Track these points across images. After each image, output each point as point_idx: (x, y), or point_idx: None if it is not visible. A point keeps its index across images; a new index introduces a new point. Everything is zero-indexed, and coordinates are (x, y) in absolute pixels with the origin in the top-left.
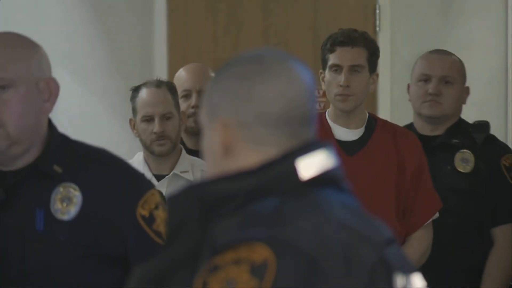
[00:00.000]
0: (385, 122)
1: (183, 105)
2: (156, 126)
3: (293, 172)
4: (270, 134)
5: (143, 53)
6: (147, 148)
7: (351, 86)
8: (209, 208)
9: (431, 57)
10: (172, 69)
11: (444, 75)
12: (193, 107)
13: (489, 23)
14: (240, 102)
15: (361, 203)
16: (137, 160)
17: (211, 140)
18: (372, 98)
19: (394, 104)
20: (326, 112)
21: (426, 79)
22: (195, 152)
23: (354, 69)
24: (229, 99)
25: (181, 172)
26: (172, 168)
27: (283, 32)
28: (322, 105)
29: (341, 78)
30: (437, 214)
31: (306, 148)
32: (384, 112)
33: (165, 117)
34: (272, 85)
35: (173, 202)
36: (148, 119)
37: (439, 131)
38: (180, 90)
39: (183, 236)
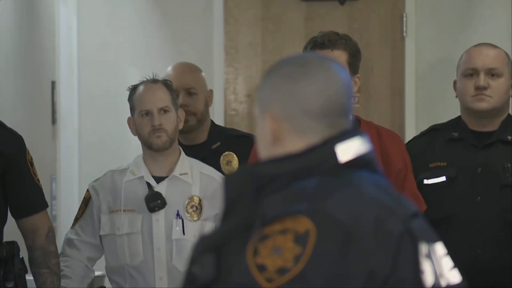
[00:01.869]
0: (369, 123)
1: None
2: (154, 119)
3: (332, 155)
4: (312, 124)
5: (203, 56)
6: (146, 143)
7: None
8: (260, 186)
9: (476, 51)
10: (228, 71)
11: (491, 68)
12: (180, 106)
13: (504, 28)
14: (286, 98)
15: None
16: (136, 162)
17: (262, 130)
18: (399, 98)
19: (419, 102)
20: None
21: (472, 73)
22: (186, 148)
23: None
24: (277, 96)
25: (180, 174)
26: (171, 169)
27: None
28: (357, 99)
29: None
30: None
31: (344, 135)
32: (409, 111)
33: (162, 111)
34: (313, 83)
35: (229, 181)
36: (146, 113)
37: (491, 126)
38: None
39: (238, 210)
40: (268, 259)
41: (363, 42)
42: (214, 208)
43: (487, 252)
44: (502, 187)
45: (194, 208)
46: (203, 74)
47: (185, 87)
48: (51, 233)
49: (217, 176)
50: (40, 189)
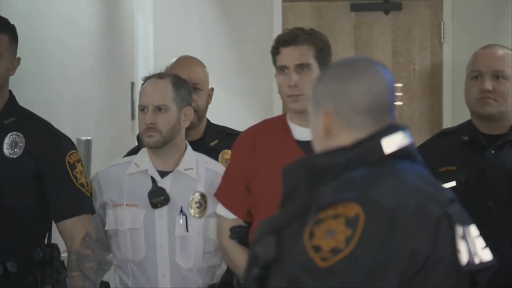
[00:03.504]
0: None
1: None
2: (147, 117)
3: (378, 148)
4: (360, 120)
5: (264, 60)
6: (141, 139)
7: (299, 85)
8: (315, 176)
9: (481, 53)
10: None
11: (496, 70)
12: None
13: None
14: (337, 97)
15: None
16: (142, 156)
17: (316, 125)
18: (437, 96)
19: (455, 100)
20: (287, 115)
21: (477, 75)
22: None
23: (300, 68)
24: (329, 94)
25: (185, 169)
26: (176, 164)
27: (369, 44)
28: (399, 98)
29: (289, 78)
30: None
31: (388, 130)
32: (447, 108)
33: (158, 109)
34: (361, 83)
35: (287, 171)
36: (143, 108)
37: (501, 129)
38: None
39: (295, 198)
40: (322, 241)
41: (405, 47)
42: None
43: (500, 256)
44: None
45: (198, 204)
46: (207, 70)
47: (191, 82)
48: (88, 238)
49: (222, 171)
50: (80, 193)
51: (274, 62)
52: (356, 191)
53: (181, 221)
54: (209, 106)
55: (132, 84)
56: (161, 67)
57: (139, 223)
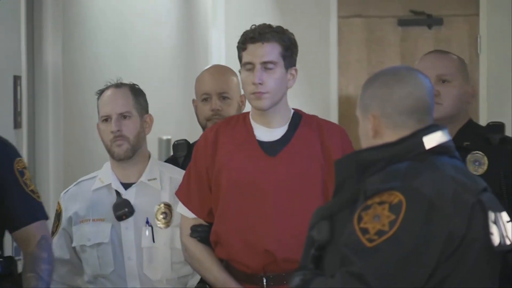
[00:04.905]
0: (312, 118)
1: (203, 108)
2: (112, 125)
3: (420, 145)
4: (404, 120)
5: (322, 70)
6: (108, 151)
7: (264, 83)
8: (363, 168)
9: (425, 59)
10: (341, 81)
11: (440, 74)
12: (213, 110)
13: None
14: (384, 101)
15: (286, 203)
16: (105, 170)
17: (364, 127)
18: (475, 101)
19: (490, 105)
20: (250, 113)
21: None
22: None
23: (266, 65)
24: (376, 99)
25: (149, 180)
26: (140, 175)
27: (414, 55)
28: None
29: (254, 75)
30: None
31: (428, 129)
32: (483, 112)
33: (122, 116)
34: (404, 87)
35: (340, 164)
36: (107, 118)
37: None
38: (200, 93)
39: (346, 187)
40: (369, 224)
41: None
42: None
43: None
44: None
45: (164, 215)
46: (236, 78)
47: (218, 91)
48: (44, 241)
49: None
50: (32, 200)
51: (240, 58)
52: (399, 181)
53: (147, 232)
54: None
55: None
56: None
57: (106, 237)
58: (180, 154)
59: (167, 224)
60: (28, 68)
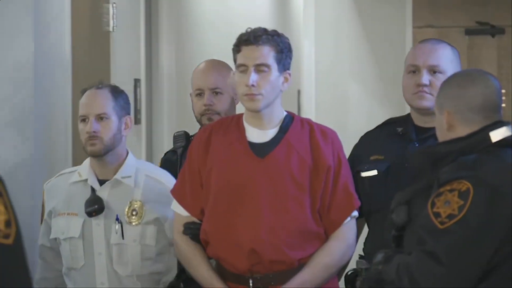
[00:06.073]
0: (303, 120)
1: (197, 103)
2: (88, 125)
3: (487, 139)
4: (474, 117)
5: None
6: (83, 148)
7: (257, 85)
8: (437, 159)
9: (419, 47)
10: None
11: (432, 65)
12: (205, 105)
13: None
14: (457, 99)
15: (273, 204)
16: (84, 166)
17: (440, 122)
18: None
19: None
20: (244, 113)
21: (414, 70)
22: None
23: (259, 68)
24: (451, 98)
25: (123, 177)
26: (116, 173)
27: (480, 60)
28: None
29: (247, 77)
30: (355, 213)
31: (495, 125)
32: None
33: (99, 118)
34: (475, 88)
35: (415, 156)
36: (84, 119)
37: (433, 122)
38: (194, 88)
39: (421, 177)
40: (441, 209)
41: (507, 63)
42: (156, 211)
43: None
44: None
45: (135, 212)
46: (231, 72)
47: (210, 87)
48: None
49: (164, 179)
50: None
51: (235, 59)
52: (467, 171)
53: (116, 229)
54: (354, 112)
55: (299, 91)
56: (319, 78)
57: (77, 232)
58: (179, 145)
59: (138, 221)
60: (146, 71)
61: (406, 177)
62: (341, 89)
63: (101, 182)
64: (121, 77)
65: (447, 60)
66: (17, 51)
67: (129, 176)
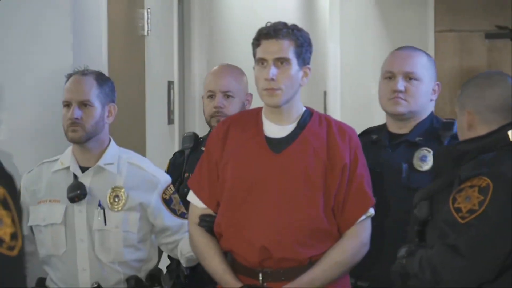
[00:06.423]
0: (322, 117)
1: (208, 105)
2: (70, 112)
3: (505, 137)
4: (494, 117)
5: None
6: (65, 134)
7: (277, 79)
8: (458, 157)
9: (395, 54)
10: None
11: (408, 72)
12: (215, 107)
13: None
14: (477, 100)
15: (286, 201)
16: (66, 154)
17: (461, 121)
18: None
19: None
20: (263, 109)
21: (390, 76)
22: None
23: (279, 62)
24: (471, 98)
25: (105, 164)
26: (98, 160)
27: (499, 63)
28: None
29: (267, 71)
30: (371, 211)
31: None
32: None
33: (83, 104)
34: (495, 89)
35: (438, 155)
36: (67, 104)
37: (406, 128)
38: (206, 90)
39: (443, 174)
40: (462, 204)
41: None
42: (139, 197)
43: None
44: (398, 187)
45: (117, 198)
46: (244, 78)
47: (222, 90)
48: None
49: (146, 166)
50: None
51: (254, 54)
52: (487, 168)
53: (99, 215)
54: (379, 112)
55: (325, 93)
56: (344, 79)
57: (59, 218)
58: (187, 146)
59: (120, 207)
60: (179, 74)
61: (377, 182)
62: (366, 90)
63: (83, 170)
64: (155, 80)
65: (423, 67)
66: (56, 59)
67: (112, 163)
